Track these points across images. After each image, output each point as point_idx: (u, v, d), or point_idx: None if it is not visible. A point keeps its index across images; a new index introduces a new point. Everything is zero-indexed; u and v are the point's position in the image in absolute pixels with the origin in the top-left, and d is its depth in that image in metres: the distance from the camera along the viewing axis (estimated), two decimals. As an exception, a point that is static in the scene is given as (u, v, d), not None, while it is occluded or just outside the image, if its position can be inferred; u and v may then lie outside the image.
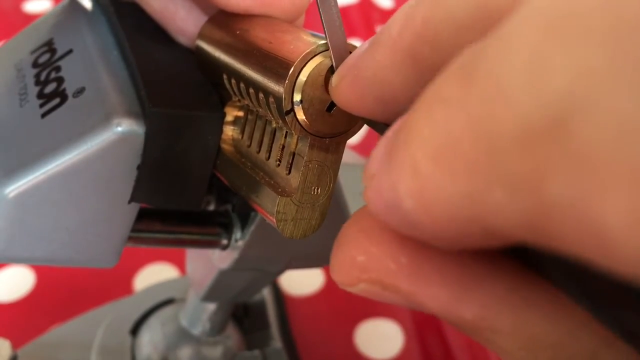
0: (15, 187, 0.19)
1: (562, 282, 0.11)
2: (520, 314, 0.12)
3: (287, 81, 0.17)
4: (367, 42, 0.14)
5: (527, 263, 0.12)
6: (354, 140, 0.55)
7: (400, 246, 0.13)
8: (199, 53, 0.22)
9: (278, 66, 0.17)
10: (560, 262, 0.10)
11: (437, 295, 0.12)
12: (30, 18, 0.67)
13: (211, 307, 0.32)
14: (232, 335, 0.35)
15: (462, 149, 0.09)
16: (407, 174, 0.11)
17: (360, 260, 0.13)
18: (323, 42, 0.17)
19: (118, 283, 0.44)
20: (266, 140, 0.19)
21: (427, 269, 0.12)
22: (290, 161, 0.18)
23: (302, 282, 0.45)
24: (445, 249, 0.12)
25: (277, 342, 0.37)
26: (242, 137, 0.21)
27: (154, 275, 0.45)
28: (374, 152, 0.12)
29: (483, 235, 0.10)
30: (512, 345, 0.12)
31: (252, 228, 0.25)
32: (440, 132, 0.10)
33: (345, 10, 0.67)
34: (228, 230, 0.25)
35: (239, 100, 0.20)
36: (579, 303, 0.11)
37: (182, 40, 0.23)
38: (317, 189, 0.18)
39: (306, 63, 0.17)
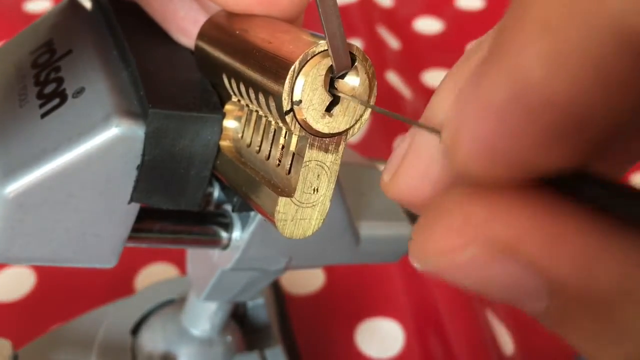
0: (15, 187, 0.19)
1: None
2: None
3: (286, 81, 0.17)
4: None
5: None
6: (354, 140, 0.55)
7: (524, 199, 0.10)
8: (198, 53, 0.22)
9: (278, 66, 0.17)
10: None
11: (577, 249, 0.10)
12: (30, 18, 0.67)
13: (211, 307, 0.32)
14: (232, 335, 0.35)
15: None
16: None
17: (480, 214, 0.11)
18: (323, 42, 0.17)
19: (118, 283, 0.44)
20: (266, 140, 0.19)
21: (563, 215, 0.10)
22: (290, 161, 0.18)
23: (302, 282, 0.45)
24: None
25: (277, 342, 0.37)
26: (242, 137, 0.21)
27: (154, 275, 0.45)
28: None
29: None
30: None
31: (252, 228, 0.25)
32: None
33: (345, 10, 0.67)
34: (228, 230, 0.25)
35: (239, 100, 0.20)
36: None
37: (182, 40, 0.23)
38: (317, 189, 0.18)
39: (306, 63, 0.17)
